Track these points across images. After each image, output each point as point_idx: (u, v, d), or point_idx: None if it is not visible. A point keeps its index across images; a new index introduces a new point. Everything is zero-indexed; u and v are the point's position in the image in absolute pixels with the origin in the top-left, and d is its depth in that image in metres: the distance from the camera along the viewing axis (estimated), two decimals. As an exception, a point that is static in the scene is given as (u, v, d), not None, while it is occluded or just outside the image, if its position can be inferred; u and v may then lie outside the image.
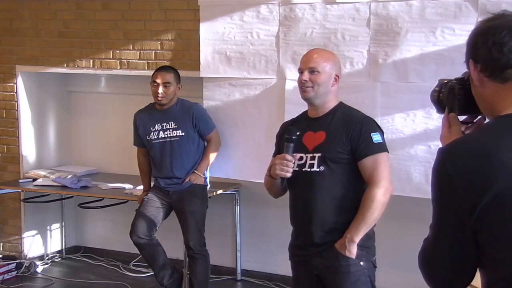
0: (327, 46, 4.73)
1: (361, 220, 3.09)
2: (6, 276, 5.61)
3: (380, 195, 3.09)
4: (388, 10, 4.53)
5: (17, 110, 5.95)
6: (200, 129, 4.92)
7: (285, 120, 4.86)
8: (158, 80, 4.83)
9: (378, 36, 4.58)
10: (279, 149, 3.31)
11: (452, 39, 4.30)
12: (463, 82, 1.68)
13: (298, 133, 3.17)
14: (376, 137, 3.15)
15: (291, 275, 5.34)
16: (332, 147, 3.15)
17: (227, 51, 5.09)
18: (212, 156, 5.00)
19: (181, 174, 4.88)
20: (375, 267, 3.24)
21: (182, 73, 4.99)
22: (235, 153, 5.19)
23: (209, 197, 5.04)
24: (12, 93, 5.95)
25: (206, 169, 4.99)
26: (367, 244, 3.18)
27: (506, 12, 1.59)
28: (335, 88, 3.26)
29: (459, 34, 4.26)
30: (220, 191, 5.30)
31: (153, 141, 4.90)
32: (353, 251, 3.10)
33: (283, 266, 5.44)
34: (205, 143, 5.00)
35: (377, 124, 3.29)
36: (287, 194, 3.38)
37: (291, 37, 4.87)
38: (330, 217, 3.15)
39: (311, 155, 3.17)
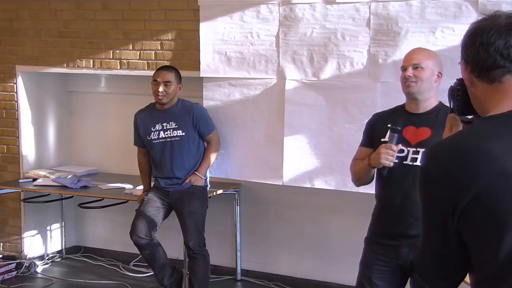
0: (327, 46, 4.74)
1: None
2: (6, 276, 5.61)
3: None
4: (388, 10, 4.53)
5: (17, 110, 5.95)
6: (200, 129, 4.92)
7: (285, 120, 4.91)
8: (159, 79, 4.83)
9: (378, 36, 4.58)
10: (368, 138, 3.39)
11: (452, 39, 4.30)
12: (462, 83, 1.68)
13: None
14: None
15: (290, 275, 5.40)
16: None
17: (227, 51, 5.09)
18: (213, 158, 5.00)
19: (181, 174, 4.88)
20: None
21: (182, 73, 4.98)
22: (235, 153, 5.19)
23: (209, 197, 5.04)
24: (12, 93, 5.95)
25: (206, 170, 4.99)
26: None
27: (498, 12, 1.60)
28: (437, 85, 3.32)
29: (459, 34, 4.23)
30: (220, 191, 5.29)
31: (154, 141, 4.90)
32: None
33: (283, 266, 5.47)
34: (205, 144, 5.01)
35: None
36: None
37: (291, 37, 4.87)
38: None
39: (414, 149, 3.23)
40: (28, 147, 5.99)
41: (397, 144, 3.21)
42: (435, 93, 3.32)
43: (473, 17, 4.20)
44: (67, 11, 5.72)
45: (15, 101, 5.94)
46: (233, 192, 5.49)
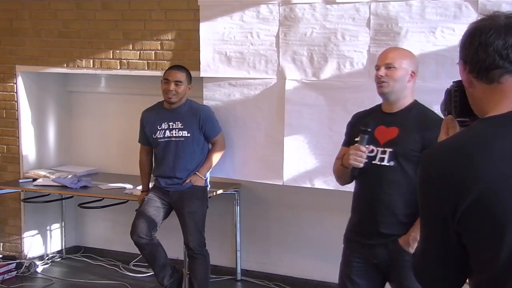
0: (327, 46, 4.74)
1: None
2: (6, 276, 5.61)
3: None
4: (388, 10, 4.53)
5: (17, 110, 5.95)
6: (206, 131, 4.92)
7: (285, 120, 4.91)
8: (170, 78, 4.84)
9: (378, 36, 4.58)
10: (350, 138, 3.39)
11: (452, 39, 4.30)
12: (460, 84, 1.67)
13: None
14: None
15: (291, 275, 5.40)
16: (404, 143, 3.20)
17: (227, 51, 5.09)
18: (215, 159, 4.99)
19: (182, 175, 4.88)
20: None
21: (182, 73, 4.98)
22: (235, 153, 5.19)
23: (209, 197, 5.04)
24: (12, 93, 5.95)
25: (208, 171, 4.99)
26: None
27: (497, 13, 1.59)
28: (411, 84, 3.31)
29: (459, 34, 4.22)
30: (220, 191, 5.30)
31: (159, 140, 4.90)
32: None
33: (283, 266, 5.47)
34: (210, 146, 5.01)
35: None
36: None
37: (291, 37, 4.87)
38: (396, 210, 3.20)
39: (382, 149, 3.24)
40: (28, 147, 5.99)
41: (367, 145, 3.22)
42: (410, 93, 3.31)
43: (473, 17, 4.20)
44: (67, 11, 5.72)
45: (15, 101, 5.94)
46: (233, 192, 5.48)
